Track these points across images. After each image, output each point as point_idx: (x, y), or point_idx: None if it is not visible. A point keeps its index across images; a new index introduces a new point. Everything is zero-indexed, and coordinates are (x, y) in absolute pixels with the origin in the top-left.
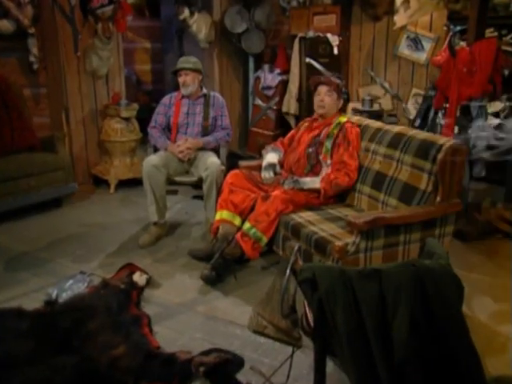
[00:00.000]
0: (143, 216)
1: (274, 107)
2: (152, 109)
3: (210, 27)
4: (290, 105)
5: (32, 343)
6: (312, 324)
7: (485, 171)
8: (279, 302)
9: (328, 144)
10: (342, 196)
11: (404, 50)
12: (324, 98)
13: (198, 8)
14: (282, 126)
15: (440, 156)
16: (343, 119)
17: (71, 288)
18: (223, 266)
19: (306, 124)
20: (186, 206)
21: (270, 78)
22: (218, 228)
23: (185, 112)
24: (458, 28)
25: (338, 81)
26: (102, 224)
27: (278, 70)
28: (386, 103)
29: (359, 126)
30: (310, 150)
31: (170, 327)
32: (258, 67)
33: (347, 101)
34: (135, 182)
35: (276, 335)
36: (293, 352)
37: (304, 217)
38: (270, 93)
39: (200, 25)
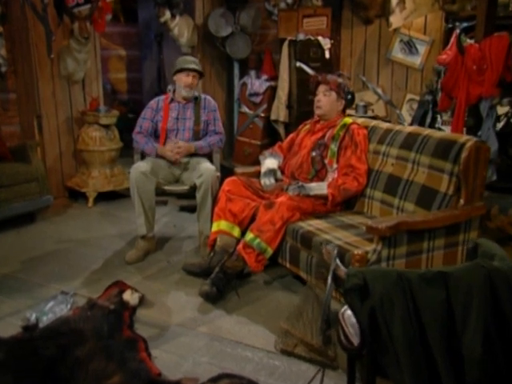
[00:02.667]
0: (127, 230)
1: (262, 114)
2: (128, 119)
3: (193, 31)
4: (280, 112)
5: (9, 376)
6: (354, 340)
7: (496, 175)
8: (313, 317)
9: (334, 147)
10: (349, 202)
11: (397, 53)
12: (320, 97)
13: (180, 10)
14: (270, 134)
15: (464, 155)
16: (349, 120)
17: (52, 310)
18: (224, 281)
19: (307, 127)
20: (173, 219)
21: (257, 84)
22: (215, 240)
23: (174, 117)
24: (465, 24)
25: (339, 80)
26: (82, 240)
27: (265, 76)
28: (379, 109)
29: (366, 127)
30: (314, 153)
31: (170, 351)
32: (243, 73)
33: (352, 101)
34: (116, 195)
35: (308, 355)
36: (323, 375)
37: (313, 225)
38: (257, 100)
39: (182, 28)
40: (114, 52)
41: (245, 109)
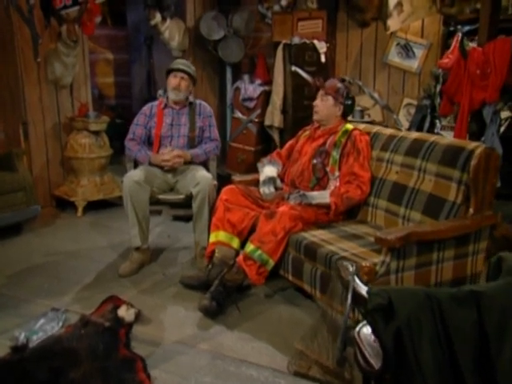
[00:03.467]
0: (119, 241)
1: (256, 120)
2: (116, 125)
3: (184, 34)
4: (274, 117)
5: None
6: (373, 361)
7: (499, 181)
8: (328, 337)
9: (335, 154)
10: (351, 211)
11: (394, 57)
12: (318, 102)
13: (171, 13)
14: (264, 140)
15: (473, 162)
16: (350, 127)
17: (43, 329)
18: (224, 294)
19: (307, 133)
20: (167, 229)
21: (250, 88)
22: (213, 251)
23: (168, 123)
24: (467, 28)
25: (337, 85)
26: (72, 252)
27: (258, 81)
28: (375, 114)
29: (368, 133)
30: (315, 161)
31: (170, 371)
32: (236, 77)
33: (352, 107)
34: (106, 204)
35: (323, 377)
36: None
37: (317, 235)
38: (251, 105)
39: (173, 31)
40: (101, 56)
41: (238, 114)
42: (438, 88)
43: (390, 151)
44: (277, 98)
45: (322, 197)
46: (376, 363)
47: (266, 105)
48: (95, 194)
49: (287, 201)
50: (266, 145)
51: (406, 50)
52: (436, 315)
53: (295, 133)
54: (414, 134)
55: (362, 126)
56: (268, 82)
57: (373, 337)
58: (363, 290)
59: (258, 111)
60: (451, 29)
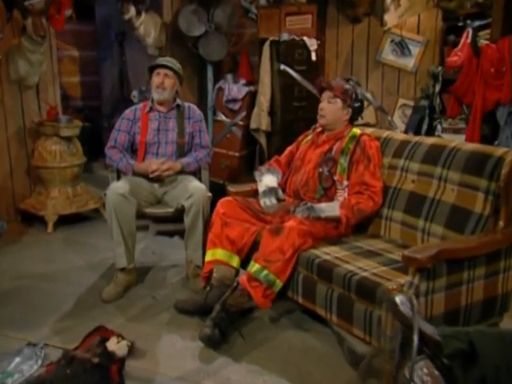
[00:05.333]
0: (98, 260)
1: (241, 123)
2: (84, 129)
3: (160, 30)
4: (261, 119)
5: None
6: None
7: None
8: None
9: (343, 161)
10: (361, 224)
11: (388, 55)
12: (324, 105)
13: (146, 6)
14: (250, 144)
15: (504, 171)
16: (358, 131)
17: (19, 369)
18: (227, 321)
19: (309, 138)
20: (150, 245)
21: (235, 89)
22: (210, 271)
23: (154, 128)
24: (478, 23)
25: (345, 85)
26: (45, 274)
27: (243, 81)
28: (368, 116)
29: (378, 138)
30: (321, 169)
31: None
32: (217, 77)
33: (360, 110)
34: (80, 218)
35: None
36: None
37: (330, 253)
38: (235, 106)
39: (148, 27)
40: (65, 53)
41: (221, 116)
42: (438, 88)
43: (404, 158)
44: (263, 99)
45: (331, 209)
46: None
47: (251, 106)
48: (67, 207)
49: (293, 214)
50: (251, 149)
51: (401, 47)
52: None
53: (284, 136)
54: (431, 140)
55: (369, 131)
56: (252, 81)
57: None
58: (430, 329)
59: (243, 113)
60: (459, 24)
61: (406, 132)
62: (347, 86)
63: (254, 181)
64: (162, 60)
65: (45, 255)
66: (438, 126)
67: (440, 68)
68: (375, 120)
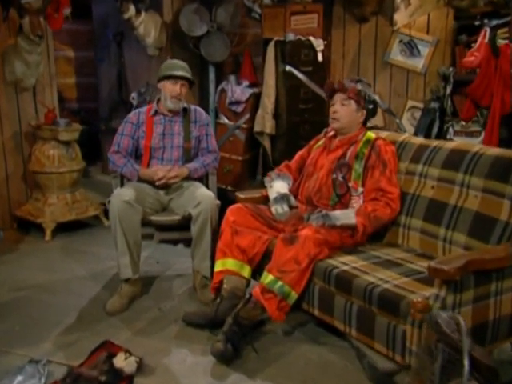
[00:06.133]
0: (100, 269)
1: (244, 126)
2: (80, 132)
3: (161, 29)
4: (265, 122)
5: None
6: None
7: None
8: None
9: (358, 167)
10: (377, 232)
11: (397, 56)
12: (337, 108)
13: (146, 5)
14: (254, 148)
15: None
16: (372, 135)
17: None
18: (239, 335)
19: (321, 143)
20: (154, 253)
21: (238, 91)
22: (220, 282)
23: (160, 133)
24: (495, 22)
25: (358, 86)
26: (44, 284)
27: (246, 82)
28: (376, 119)
29: (393, 142)
30: (335, 175)
31: None
32: (219, 78)
33: (374, 111)
34: (79, 225)
35: None
36: None
37: (347, 262)
38: (239, 109)
39: (148, 26)
40: (60, 53)
41: (224, 119)
42: (449, 89)
43: (422, 163)
44: (268, 102)
45: (346, 217)
46: None
47: (255, 109)
48: (66, 214)
49: (307, 222)
50: (255, 153)
51: (410, 47)
52: None
53: (289, 140)
54: (451, 144)
55: (384, 134)
56: (255, 83)
57: None
58: (482, 354)
59: (247, 116)
60: (476, 23)
61: (414, 135)
62: (360, 87)
63: (258, 186)
64: (178, 68)
65: (44, 265)
66: (450, 129)
67: (451, 69)
68: (383, 123)
